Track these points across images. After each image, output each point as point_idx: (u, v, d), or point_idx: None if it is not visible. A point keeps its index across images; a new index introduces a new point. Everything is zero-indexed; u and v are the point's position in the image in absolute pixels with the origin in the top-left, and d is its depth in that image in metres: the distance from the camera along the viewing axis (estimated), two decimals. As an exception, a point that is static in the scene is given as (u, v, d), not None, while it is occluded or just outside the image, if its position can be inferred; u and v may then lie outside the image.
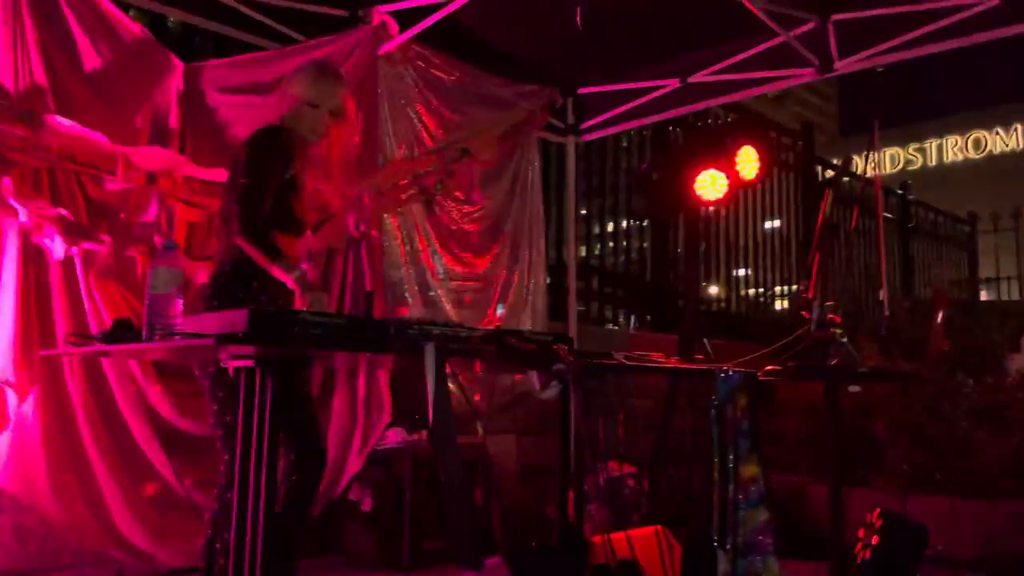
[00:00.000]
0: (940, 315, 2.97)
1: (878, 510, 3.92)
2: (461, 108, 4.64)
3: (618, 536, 2.75)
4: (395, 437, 4.08)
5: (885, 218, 8.38)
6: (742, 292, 8.02)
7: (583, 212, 6.83)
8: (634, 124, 5.48)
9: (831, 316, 3.22)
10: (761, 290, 7.95)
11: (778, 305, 7.91)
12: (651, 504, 4.26)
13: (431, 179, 4.22)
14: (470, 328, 2.38)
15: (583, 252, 6.61)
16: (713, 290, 7.86)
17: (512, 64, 4.88)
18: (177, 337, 1.96)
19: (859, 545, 3.89)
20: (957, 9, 4.02)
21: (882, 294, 5.06)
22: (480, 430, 3.90)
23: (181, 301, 2.11)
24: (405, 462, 3.87)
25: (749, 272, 7.99)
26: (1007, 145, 20.05)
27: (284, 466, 2.44)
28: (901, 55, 4.27)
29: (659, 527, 2.97)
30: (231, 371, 2.04)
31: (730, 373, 2.73)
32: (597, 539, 2.62)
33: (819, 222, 3.45)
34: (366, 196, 3.86)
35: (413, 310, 4.26)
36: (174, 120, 3.61)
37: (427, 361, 2.01)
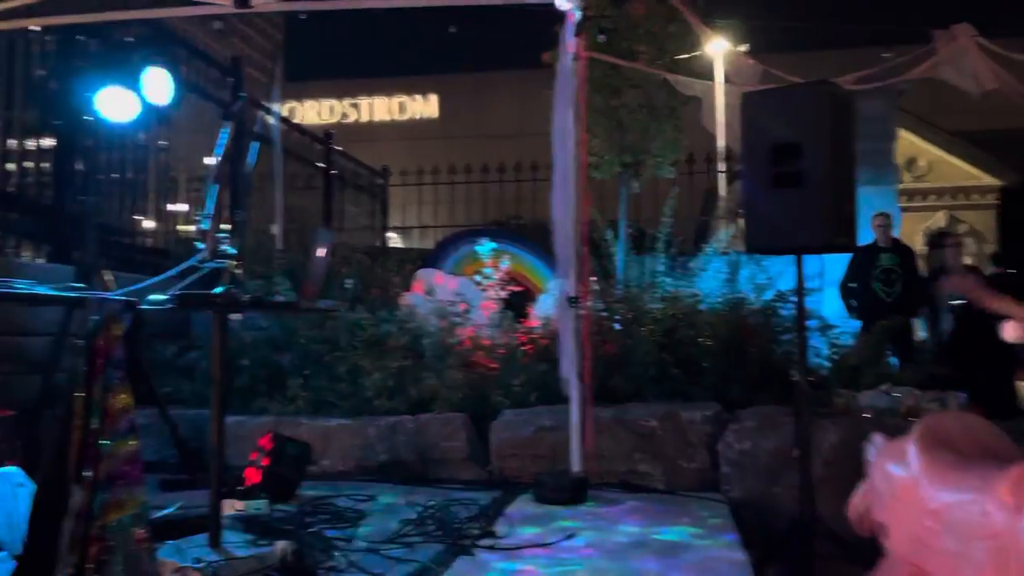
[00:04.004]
0: (320, 251, 3.24)
1: (270, 434, 4.18)
2: None
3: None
4: None
5: (315, 165, 8.86)
6: (177, 227, 7.71)
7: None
8: (30, 23, 4.76)
9: (225, 248, 3.28)
10: (193, 227, 7.74)
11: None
12: (28, 449, 3.85)
13: None
14: None
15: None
16: (146, 224, 7.41)
17: None
18: None
19: (251, 468, 4.11)
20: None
21: (275, 229, 5.37)
22: None
23: None
24: None
25: (187, 208, 7.72)
26: (425, 112, 23.15)
27: None
28: (312, 4, 4.49)
29: (13, 466, 2.71)
30: None
31: (105, 301, 2.59)
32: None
33: (222, 156, 3.47)
34: None
35: None
36: None
37: None
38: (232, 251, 3.23)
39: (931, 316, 7.01)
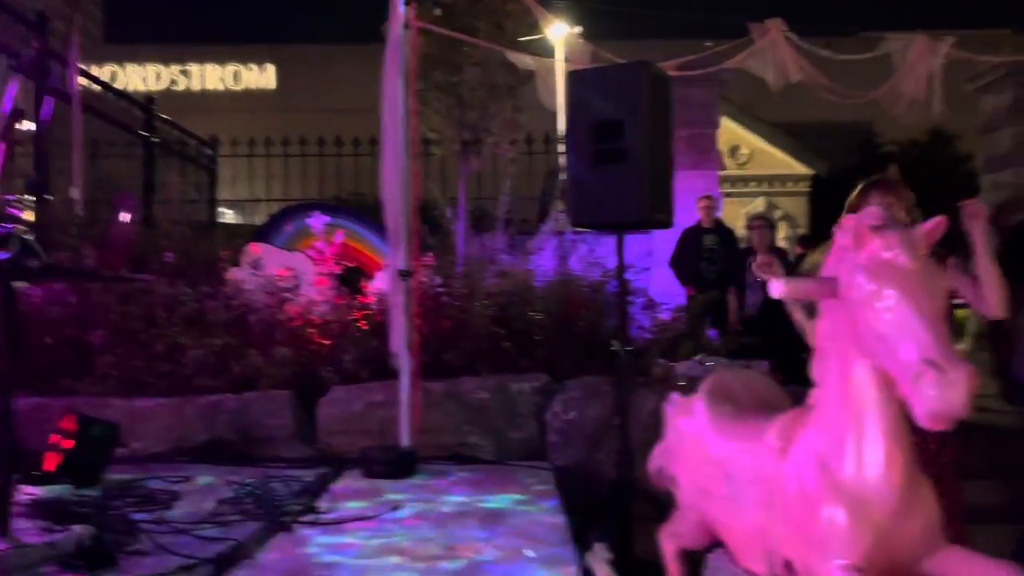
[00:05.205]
0: (123, 216, 3.03)
1: (72, 415, 3.89)
2: None
3: None
4: None
5: (134, 132, 8.27)
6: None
7: None
8: None
9: (17, 213, 3.00)
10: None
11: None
12: None
13: None
14: None
15: None
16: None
17: None
18: None
19: (51, 451, 3.81)
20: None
21: (75, 192, 4.99)
22: None
23: None
24: None
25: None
26: (261, 83, 22.20)
27: None
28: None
29: None
30: None
31: None
32: None
33: (10, 113, 3.16)
34: None
35: None
36: None
37: None
38: (20, 215, 2.95)
39: (738, 292, 7.53)
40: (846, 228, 1.53)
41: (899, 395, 1.47)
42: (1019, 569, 1.52)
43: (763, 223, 8.54)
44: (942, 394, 1.36)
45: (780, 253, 8.21)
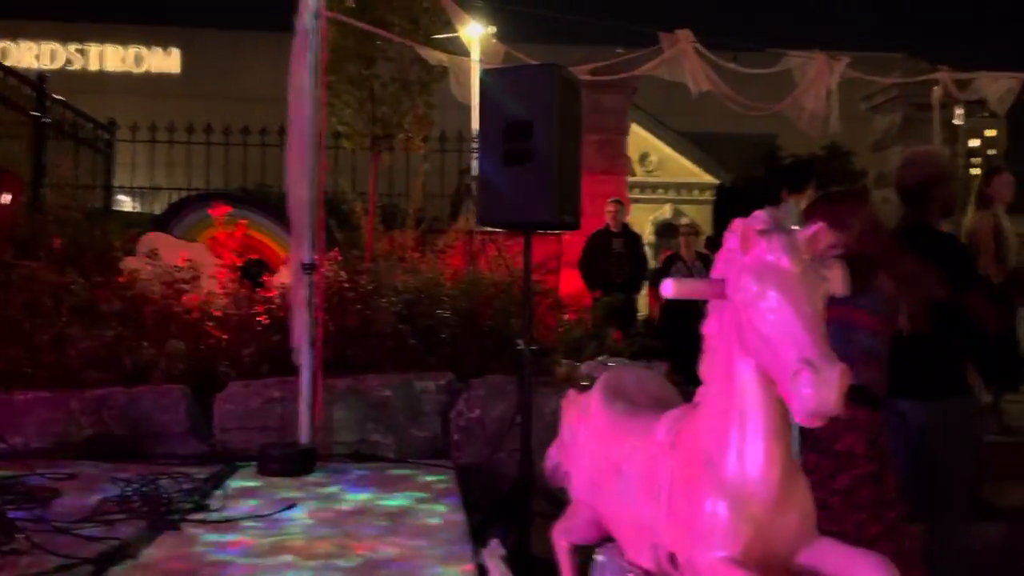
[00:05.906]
0: (5, 197, 2.86)
1: (-57, 408, 3.66)
2: None
3: None
4: None
5: (23, 111, 7.83)
6: None
7: None
8: None
9: None
10: None
11: None
12: None
13: None
14: None
15: None
16: None
17: None
18: None
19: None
20: None
21: None
22: None
23: None
24: None
25: None
26: (165, 66, 21.35)
27: None
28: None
29: None
30: None
31: None
32: None
33: None
34: None
35: None
36: None
37: None
38: None
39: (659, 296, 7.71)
40: (735, 231, 1.59)
41: (779, 394, 1.53)
42: (884, 559, 1.60)
43: (690, 231, 8.80)
44: (817, 393, 1.42)
45: (705, 259, 8.42)
